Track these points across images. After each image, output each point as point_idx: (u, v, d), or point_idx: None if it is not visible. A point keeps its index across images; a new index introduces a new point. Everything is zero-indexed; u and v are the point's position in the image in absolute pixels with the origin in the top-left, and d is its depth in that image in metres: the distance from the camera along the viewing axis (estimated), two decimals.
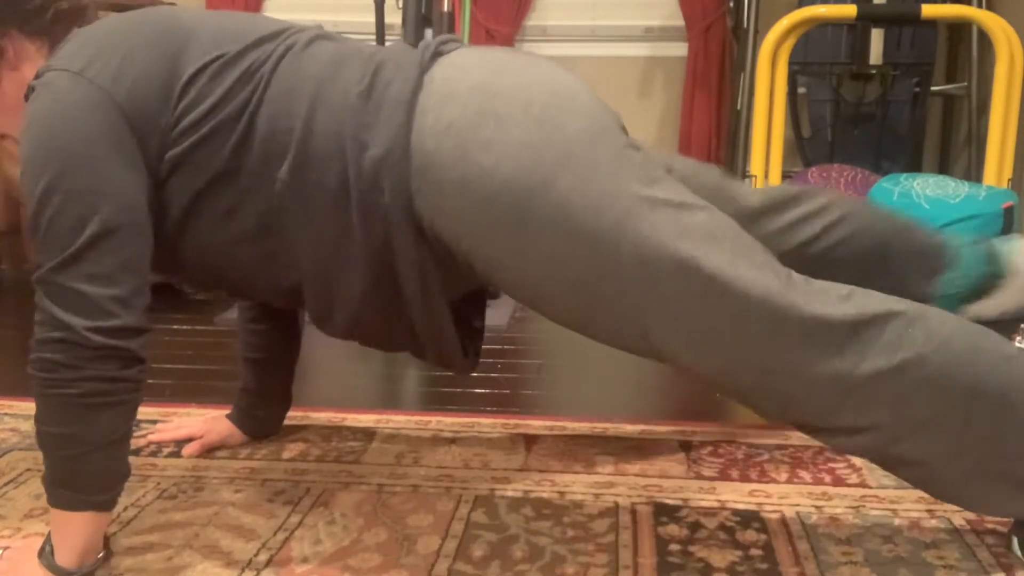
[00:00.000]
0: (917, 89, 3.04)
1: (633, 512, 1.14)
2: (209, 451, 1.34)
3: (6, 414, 1.52)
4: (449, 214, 0.92)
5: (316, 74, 0.95)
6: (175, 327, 2.17)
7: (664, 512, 1.14)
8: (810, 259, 1.13)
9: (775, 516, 1.12)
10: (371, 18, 2.79)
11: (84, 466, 0.92)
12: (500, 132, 0.90)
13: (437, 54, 0.98)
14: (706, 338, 0.90)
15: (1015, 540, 1.02)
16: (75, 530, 0.94)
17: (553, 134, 0.90)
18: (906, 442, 0.92)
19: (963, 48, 3.14)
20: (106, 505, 0.95)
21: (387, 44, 1.03)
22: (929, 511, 1.13)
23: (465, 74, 0.94)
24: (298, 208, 0.95)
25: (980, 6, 2.87)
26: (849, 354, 0.89)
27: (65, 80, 0.91)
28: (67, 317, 0.88)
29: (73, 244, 0.88)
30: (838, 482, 1.22)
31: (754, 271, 0.89)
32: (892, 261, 1.16)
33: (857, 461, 1.29)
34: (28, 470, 1.28)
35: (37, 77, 0.94)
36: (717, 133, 3.34)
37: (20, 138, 0.92)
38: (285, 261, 1.00)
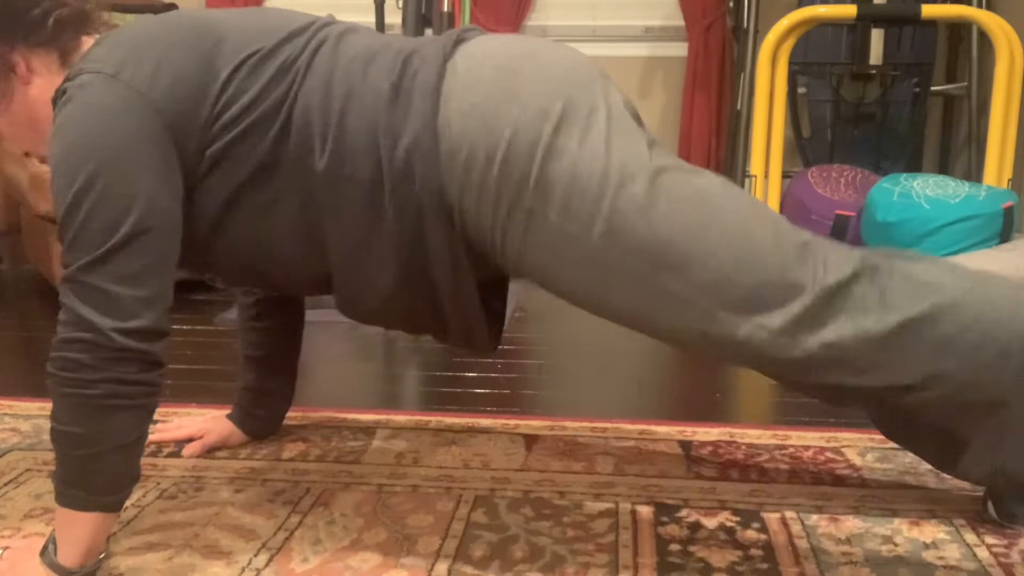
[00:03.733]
0: (917, 89, 3.04)
1: (633, 512, 1.14)
2: (209, 451, 1.34)
3: (6, 414, 1.52)
4: (476, 190, 0.93)
5: (348, 69, 0.97)
6: (175, 327, 2.17)
7: (664, 512, 1.14)
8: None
9: (775, 516, 1.12)
10: (371, 18, 2.79)
11: (96, 467, 0.92)
12: (521, 108, 0.92)
13: (459, 41, 1.00)
14: (720, 294, 0.92)
15: (989, 504, 1.05)
16: (81, 530, 0.94)
17: (572, 108, 0.92)
18: (922, 398, 0.94)
19: (963, 48, 3.14)
20: (114, 507, 0.95)
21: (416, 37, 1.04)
22: (929, 511, 1.13)
23: (487, 58, 0.96)
24: (330, 201, 0.97)
25: (980, 6, 2.86)
26: (869, 307, 0.92)
27: (100, 82, 0.92)
28: (93, 317, 0.88)
29: (104, 245, 0.89)
30: (838, 482, 1.22)
31: (771, 231, 0.93)
32: None
33: (857, 461, 1.29)
34: (28, 470, 1.28)
35: (68, 79, 0.94)
36: (717, 133, 3.34)
37: (52, 138, 0.92)
38: (318, 254, 1.01)
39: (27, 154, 1.07)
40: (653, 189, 0.91)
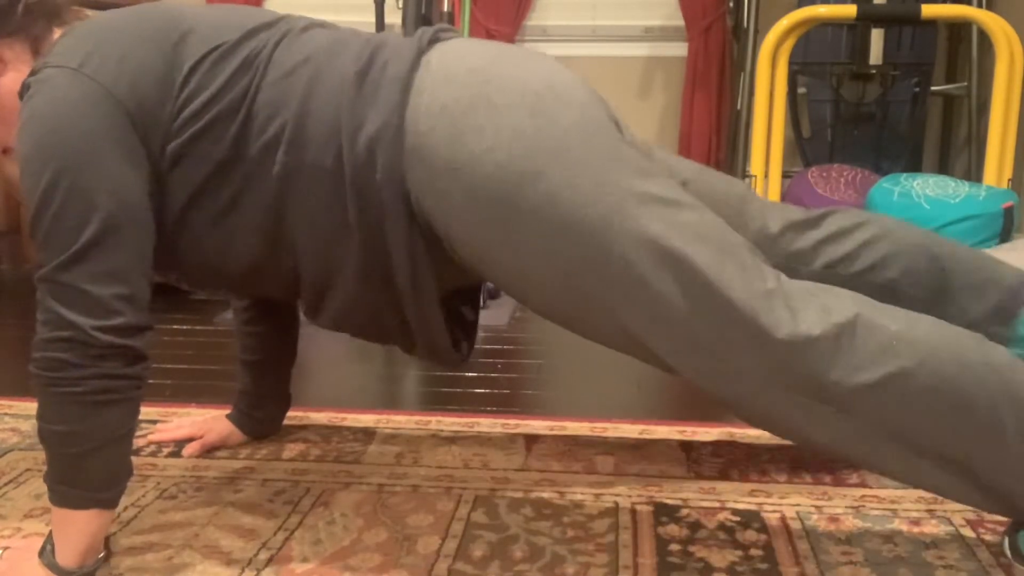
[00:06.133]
0: (917, 89, 3.04)
1: (633, 512, 1.14)
2: (209, 451, 1.34)
3: (6, 414, 1.52)
4: (438, 197, 0.92)
5: (312, 57, 0.96)
6: (175, 327, 2.17)
7: (664, 512, 1.14)
8: (850, 282, 1.08)
9: (775, 516, 1.12)
10: (371, 18, 2.79)
11: (89, 463, 0.92)
12: (493, 119, 0.90)
13: (435, 39, 0.99)
14: (686, 339, 0.90)
15: (1006, 540, 1.02)
16: (78, 529, 0.94)
17: (546, 125, 0.90)
18: (890, 455, 0.91)
19: (963, 48, 3.14)
20: (110, 503, 0.95)
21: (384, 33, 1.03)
22: (929, 511, 1.13)
23: (462, 59, 0.95)
24: (296, 192, 0.96)
25: (980, 6, 2.86)
26: (833, 367, 0.88)
27: (64, 76, 0.91)
28: (73, 316, 0.88)
29: (76, 243, 0.88)
30: (838, 482, 1.22)
31: (739, 275, 0.89)
32: (952, 292, 1.09)
33: None
34: (28, 470, 1.28)
35: (33, 74, 0.93)
36: (717, 133, 3.34)
37: (18, 136, 0.91)
38: (283, 251, 1.00)
39: (5, 152, 1.05)
40: (637, 236, 0.88)
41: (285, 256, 1.00)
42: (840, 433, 0.91)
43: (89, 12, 1.05)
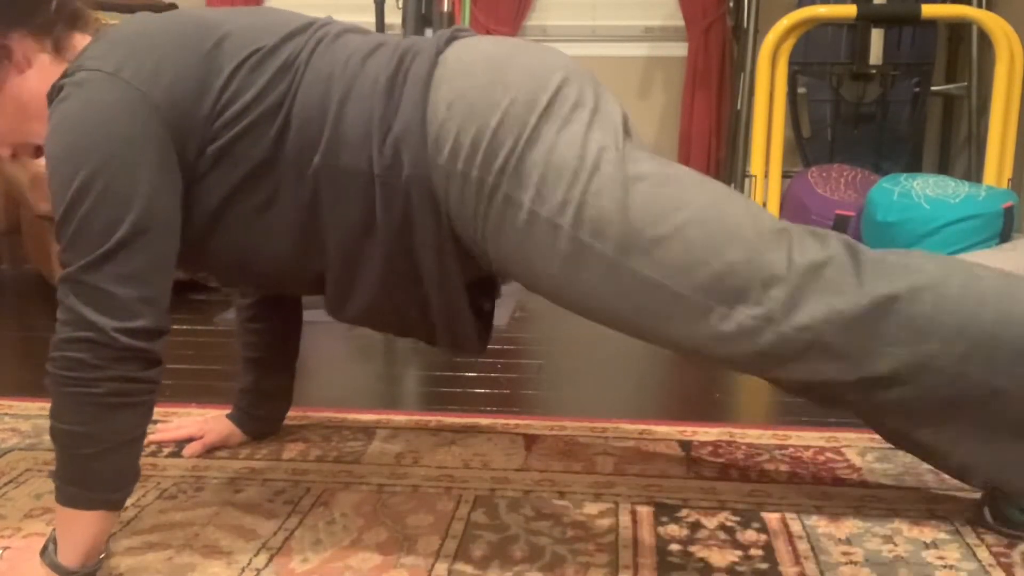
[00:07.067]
0: (917, 89, 3.04)
1: (633, 512, 1.14)
2: (209, 451, 1.34)
3: (6, 414, 1.52)
4: (461, 178, 0.95)
5: (347, 63, 0.98)
6: (175, 327, 2.17)
7: (664, 512, 1.14)
8: None
9: (775, 516, 1.12)
10: (371, 18, 2.79)
11: (98, 465, 0.92)
12: (507, 96, 0.94)
13: (452, 38, 1.02)
14: (716, 329, 0.94)
15: (986, 509, 1.03)
16: (82, 529, 0.94)
17: (558, 100, 0.95)
18: (909, 386, 0.95)
19: (963, 48, 3.14)
20: (116, 505, 0.95)
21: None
22: (929, 511, 1.13)
23: (477, 51, 0.99)
24: (329, 194, 0.98)
25: (980, 6, 2.86)
26: (869, 342, 0.93)
27: (99, 81, 0.91)
28: (94, 317, 0.88)
29: (104, 244, 0.89)
30: (838, 482, 1.22)
31: (745, 216, 0.95)
32: None
33: (857, 461, 1.29)
34: (28, 470, 1.28)
35: (66, 76, 0.93)
36: (717, 133, 3.34)
37: (49, 136, 0.91)
38: (313, 250, 1.02)
39: (14, 156, 1.05)
40: (625, 176, 0.93)
41: (314, 255, 1.02)
42: (855, 366, 0.95)
43: (104, 18, 1.05)
